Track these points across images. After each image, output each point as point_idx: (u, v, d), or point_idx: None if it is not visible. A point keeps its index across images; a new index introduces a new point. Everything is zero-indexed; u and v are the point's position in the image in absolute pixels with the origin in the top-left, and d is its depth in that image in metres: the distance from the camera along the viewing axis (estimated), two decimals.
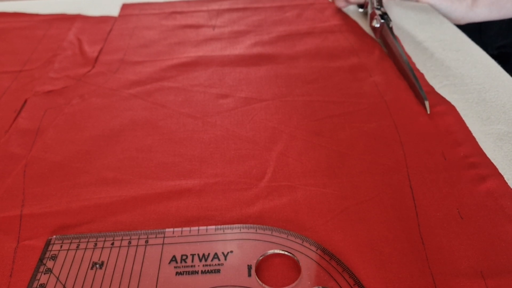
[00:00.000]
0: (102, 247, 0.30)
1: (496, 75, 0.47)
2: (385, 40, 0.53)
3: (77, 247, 0.30)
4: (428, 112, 0.41)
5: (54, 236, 0.31)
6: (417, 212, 0.32)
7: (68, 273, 0.28)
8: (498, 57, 0.53)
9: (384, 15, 0.53)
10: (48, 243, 0.30)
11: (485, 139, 0.38)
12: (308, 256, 0.29)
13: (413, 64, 0.49)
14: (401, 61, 0.47)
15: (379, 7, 0.55)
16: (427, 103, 0.42)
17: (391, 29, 0.52)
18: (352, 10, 0.64)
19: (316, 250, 0.29)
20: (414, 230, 0.31)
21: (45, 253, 0.30)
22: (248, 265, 0.28)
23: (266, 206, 0.33)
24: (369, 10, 0.57)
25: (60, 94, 0.47)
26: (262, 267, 0.29)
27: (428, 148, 0.38)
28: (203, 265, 0.28)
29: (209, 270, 0.28)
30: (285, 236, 0.30)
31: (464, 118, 0.41)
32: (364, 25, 0.60)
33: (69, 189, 0.35)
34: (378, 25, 0.54)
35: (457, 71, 0.49)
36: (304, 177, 0.35)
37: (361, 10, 0.63)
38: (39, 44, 0.57)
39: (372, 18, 0.56)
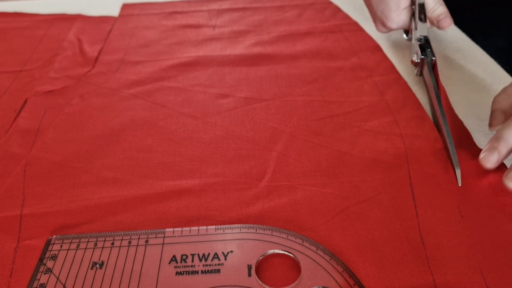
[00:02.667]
0: (102, 247, 0.30)
1: (496, 75, 0.47)
2: (424, 81, 0.45)
3: (77, 247, 0.30)
4: (460, 185, 0.34)
5: (54, 236, 0.31)
6: (417, 212, 0.32)
7: (68, 273, 0.28)
8: None
9: (426, 49, 0.45)
10: (48, 243, 0.30)
11: (485, 139, 0.38)
12: (308, 256, 0.29)
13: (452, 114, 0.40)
14: (437, 113, 0.39)
15: (421, 37, 0.46)
16: (458, 172, 0.34)
17: (433, 67, 0.43)
18: (395, 40, 0.55)
19: (316, 250, 0.29)
20: (414, 230, 0.31)
21: (45, 253, 0.30)
22: (248, 265, 0.28)
23: (266, 206, 0.33)
24: (412, 40, 0.48)
25: (60, 94, 0.47)
26: (262, 267, 0.29)
27: (430, 143, 0.38)
28: (203, 265, 0.28)
29: (209, 270, 0.28)
30: (285, 236, 0.30)
31: (464, 118, 0.41)
32: (398, 60, 0.51)
33: (69, 189, 0.35)
34: (418, 60, 0.45)
35: (457, 71, 0.49)
36: (304, 177, 0.35)
37: (406, 37, 0.54)
38: (39, 44, 0.57)
39: (413, 51, 0.47)
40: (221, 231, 0.31)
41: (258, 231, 0.30)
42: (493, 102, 0.38)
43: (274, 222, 0.32)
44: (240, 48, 0.55)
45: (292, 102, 0.45)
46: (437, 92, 0.40)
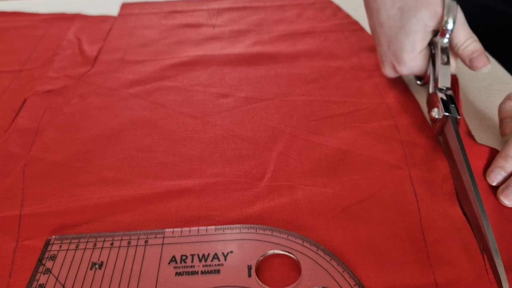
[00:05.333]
0: (102, 247, 0.30)
1: (497, 74, 0.47)
2: (447, 143, 0.36)
3: (76, 247, 0.30)
4: None
5: (54, 236, 0.31)
6: (419, 206, 0.32)
7: (68, 274, 0.28)
8: None
9: (451, 104, 0.36)
10: (47, 243, 0.30)
11: (486, 138, 0.38)
12: (308, 256, 0.28)
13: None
14: (469, 193, 0.31)
15: (444, 87, 0.38)
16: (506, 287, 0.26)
17: (458, 129, 0.35)
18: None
19: (317, 250, 0.29)
20: (416, 226, 0.31)
21: (44, 253, 0.29)
22: (248, 265, 0.28)
23: (266, 206, 0.33)
24: (430, 89, 0.39)
25: (59, 94, 0.47)
26: (262, 267, 0.29)
27: (429, 153, 0.37)
28: (203, 265, 0.28)
29: (209, 271, 0.28)
30: (285, 236, 0.30)
31: (465, 118, 0.41)
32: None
33: (68, 189, 0.35)
34: (438, 117, 0.36)
35: (457, 71, 0.49)
36: (304, 176, 0.35)
37: (419, 82, 0.45)
38: (39, 43, 0.57)
39: (432, 103, 0.38)
40: (221, 231, 0.30)
41: (258, 231, 0.30)
42: (500, 111, 0.38)
43: (274, 222, 0.32)
44: (240, 48, 0.55)
45: (292, 102, 0.45)
46: (470, 170, 0.31)
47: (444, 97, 0.37)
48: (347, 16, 0.62)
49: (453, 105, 0.36)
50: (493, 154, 0.35)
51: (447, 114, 0.36)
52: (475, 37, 0.40)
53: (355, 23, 0.60)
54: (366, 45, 0.54)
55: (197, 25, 0.61)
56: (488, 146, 0.35)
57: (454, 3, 0.38)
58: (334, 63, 0.51)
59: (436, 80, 0.39)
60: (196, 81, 0.48)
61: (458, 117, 0.35)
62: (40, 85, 0.48)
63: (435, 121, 0.37)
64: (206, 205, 0.33)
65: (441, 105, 0.36)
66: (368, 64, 0.50)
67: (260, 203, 0.33)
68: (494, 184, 0.33)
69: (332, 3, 0.66)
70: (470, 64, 0.40)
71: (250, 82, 0.48)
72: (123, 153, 0.38)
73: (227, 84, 0.48)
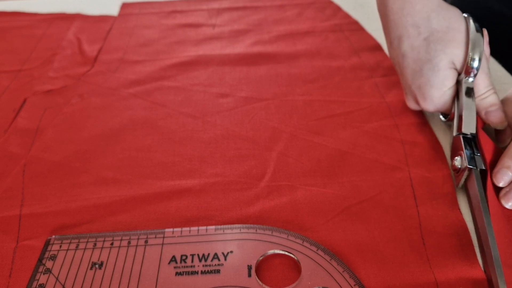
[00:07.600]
0: (102, 247, 0.30)
1: (498, 74, 0.47)
2: (469, 198, 0.33)
3: (76, 247, 0.30)
4: None
5: (54, 236, 0.31)
6: (418, 211, 0.32)
7: (68, 273, 0.28)
8: None
9: (475, 154, 0.33)
10: (47, 243, 0.30)
11: None
12: (308, 256, 0.28)
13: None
14: (486, 256, 0.28)
15: (469, 133, 0.34)
16: None
17: (481, 183, 0.31)
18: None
19: (317, 250, 0.29)
20: (416, 230, 0.31)
21: (44, 253, 0.29)
22: (248, 265, 0.28)
23: (266, 206, 0.33)
24: (454, 131, 0.36)
25: (59, 94, 0.47)
26: (262, 267, 0.28)
27: (430, 152, 0.37)
28: (203, 265, 0.28)
29: (209, 270, 0.28)
30: (285, 236, 0.30)
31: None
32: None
33: (68, 189, 0.35)
34: (461, 167, 0.33)
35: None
36: (305, 177, 0.35)
37: (443, 119, 0.41)
38: (39, 43, 0.57)
39: (455, 150, 0.35)
40: (221, 231, 0.30)
41: (258, 231, 0.30)
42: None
43: (274, 222, 0.32)
44: (240, 48, 0.55)
45: (292, 101, 0.45)
46: (492, 237, 0.28)
47: (469, 146, 0.33)
48: (347, 16, 0.62)
49: (478, 155, 0.33)
50: (497, 152, 0.33)
51: (471, 166, 0.32)
52: (494, 89, 0.37)
53: (355, 23, 0.60)
54: (366, 45, 0.54)
55: (197, 25, 0.61)
56: (495, 144, 0.35)
57: (480, 37, 0.35)
58: (334, 63, 0.51)
59: (460, 122, 0.35)
60: (196, 81, 0.48)
61: (484, 167, 0.32)
62: (40, 85, 0.48)
63: (457, 171, 0.34)
64: (206, 205, 0.33)
65: (464, 155, 0.33)
66: (368, 64, 0.50)
67: (260, 203, 0.33)
68: (500, 185, 0.31)
69: (332, 3, 0.66)
70: (485, 117, 0.37)
71: (250, 82, 0.48)
72: (123, 153, 0.38)
73: (227, 84, 0.48)
